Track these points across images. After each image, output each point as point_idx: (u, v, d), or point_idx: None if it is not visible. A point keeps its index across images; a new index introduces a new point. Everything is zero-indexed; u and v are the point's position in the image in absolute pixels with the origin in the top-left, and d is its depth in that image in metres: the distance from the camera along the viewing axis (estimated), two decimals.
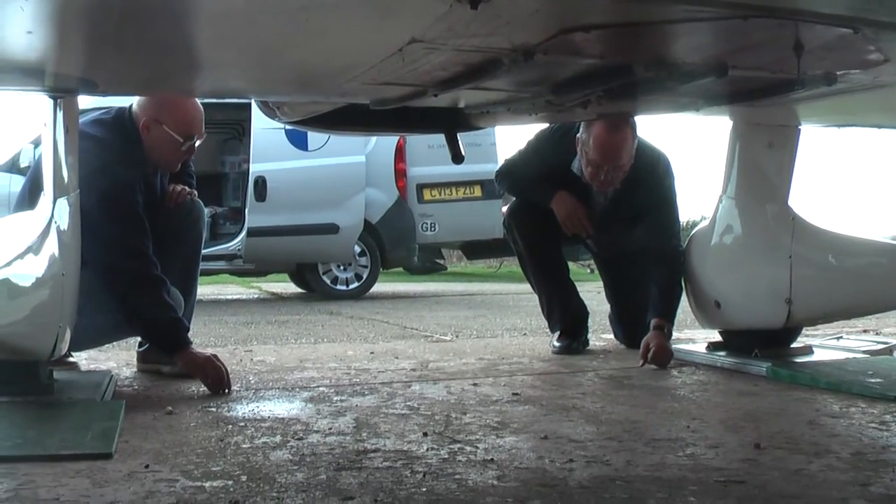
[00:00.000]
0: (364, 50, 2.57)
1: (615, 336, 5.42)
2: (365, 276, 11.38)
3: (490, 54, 2.50)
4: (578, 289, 5.27)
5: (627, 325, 5.23)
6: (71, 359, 4.22)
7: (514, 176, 5.27)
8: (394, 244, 11.35)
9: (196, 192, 4.30)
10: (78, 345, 3.98)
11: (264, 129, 10.15)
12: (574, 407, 3.42)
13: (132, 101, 4.07)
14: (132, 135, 3.95)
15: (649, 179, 4.86)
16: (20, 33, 2.45)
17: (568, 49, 2.46)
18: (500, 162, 5.99)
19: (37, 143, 3.70)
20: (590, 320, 5.25)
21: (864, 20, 2.34)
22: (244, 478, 2.39)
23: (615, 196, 4.93)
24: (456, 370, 4.37)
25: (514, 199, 5.45)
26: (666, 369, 4.34)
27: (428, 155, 10.99)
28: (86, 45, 2.81)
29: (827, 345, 4.84)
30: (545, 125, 4.94)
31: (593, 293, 6.09)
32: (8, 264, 3.30)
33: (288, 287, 13.00)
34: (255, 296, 12.46)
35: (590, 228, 4.99)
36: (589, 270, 15.36)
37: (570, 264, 5.60)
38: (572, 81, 2.86)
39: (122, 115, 4.01)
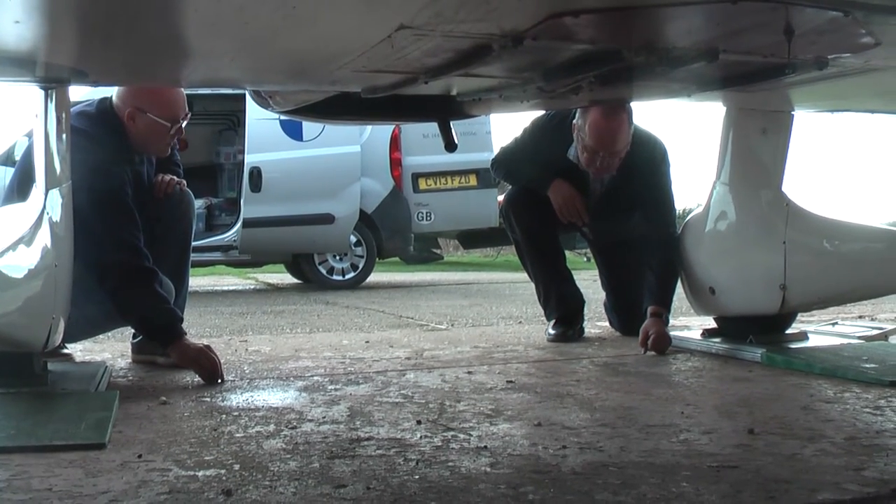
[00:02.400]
0: (353, 37, 2.57)
1: (610, 324, 5.42)
2: (361, 266, 11.40)
3: (479, 40, 2.49)
4: (575, 277, 5.26)
5: (623, 312, 5.23)
6: (65, 350, 4.21)
7: (509, 163, 5.26)
8: (389, 234, 11.36)
9: (185, 182, 4.29)
10: (72, 336, 3.99)
11: (259, 120, 10.17)
12: (568, 394, 3.42)
13: (112, 93, 4.06)
14: (117, 126, 3.94)
15: (646, 167, 4.84)
16: (8, 23, 2.43)
17: (557, 34, 2.45)
18: (496, 150, 5.97)
19: (31, 136, 3.69)
20: (585, 308, 5.25)
21: (854, 3, 2.34)
22: (237, 466, 2.39)
23: (612, 183, 4.92)
24: (451, 358, 4.37)
25: (511, 186, 5.43)
26: (663, 356, 4.34)
27: (423, 144, 10.99)
28: (76, 35, 2.80)
29: (822, 331, 4.84)
30: (539, 112, 4.93)
31: (589, 281, 6.11)
32: (0, 255, 3.30)
33: (284, 277, 13.01)
34: (251, 286, 12.47)
35: (585, 217, 4.98)
36: (585, 259, 15.38)
37: (567, 253, 5.60)
38: (563, 67, 2.85)
39: (105, 105, 4.00)
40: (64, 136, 3.40)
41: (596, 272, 5.61)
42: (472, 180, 11.71)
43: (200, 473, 2.32)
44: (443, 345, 4.93)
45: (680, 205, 5.17)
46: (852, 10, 2.35)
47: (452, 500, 2.09)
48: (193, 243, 4.39)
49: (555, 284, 5.16)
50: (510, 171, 5.30)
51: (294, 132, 10.59)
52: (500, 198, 12.31)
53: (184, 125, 4.05)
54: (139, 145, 4.00)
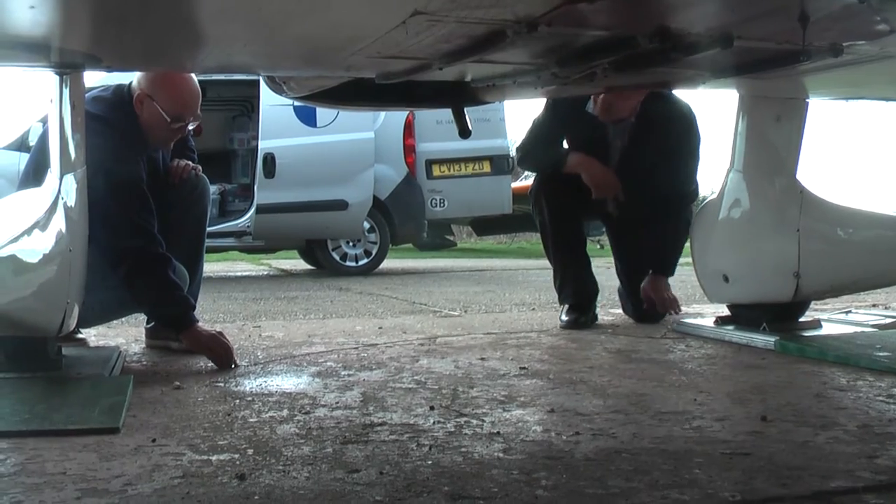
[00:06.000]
0: (367, 22, 2.56)
1: (624, 310, 5.42)
2: (374, 253, 11.39)
3: (494, 26, 2.49)
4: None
5: (639, 300, 5.24)
6: (80, 335, 4.23)
7: (526, 148, 5.26)
8: (403, 220, 11.35)
9: (200, 167, 4.29)
10: (86, 321, 3.99)
11: (273, 106, 10.17)
12: (581, 380, 3.42)
13: (132, 78, 4.06)
14: (131, 111, 3.94)
15: (668, 122, 4.88)
16: (23, 8, 2.44)
17: (572, 20, 2.45)
18: (509, 137, 5.97)
19: (45, 122, 3.70)
20: (599, 296, 5.25)
21: None
22: (250, 451, 2.39)
23: (633, 138, 4.94)
24: (464, 345, 4.37)
25: (535, 173, 5.41)
26: (677, 345, 4.33)
27: (437, 131, 10.98)
28: (90, 20, 2.80)
29: (835, 319, 4.84)
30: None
31: (603, 268, 6.10)
32: (15, 240, 3.30)
33: (297, 264, 13.02)
34: (265, 272, 12.49)
35: (621, 194, 4.97)
36: (599, 246, 15.36)
37: None
38: (577, 53, 2.85)
39: (122, 91, 4.00)
40: (78, 121, 3.40)
41: (610, 259, 5.61)
42: (486, 167, 11.70)
43: (214, 458, 2.33)
44: (456, 331, 4.93)
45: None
46: None
47: (465, 485, 2.09)
48: (207, 229, 4.39)
49: (573, 270, 5.16)
50: (526, 155, 5.31)
51: (308, 118, 10.59)
52: (517, 183, 12.31)
53: (190, 127, 4.03)
54: (144, 131, 3.98)
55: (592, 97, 4.82)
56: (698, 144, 5.03)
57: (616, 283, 5.50)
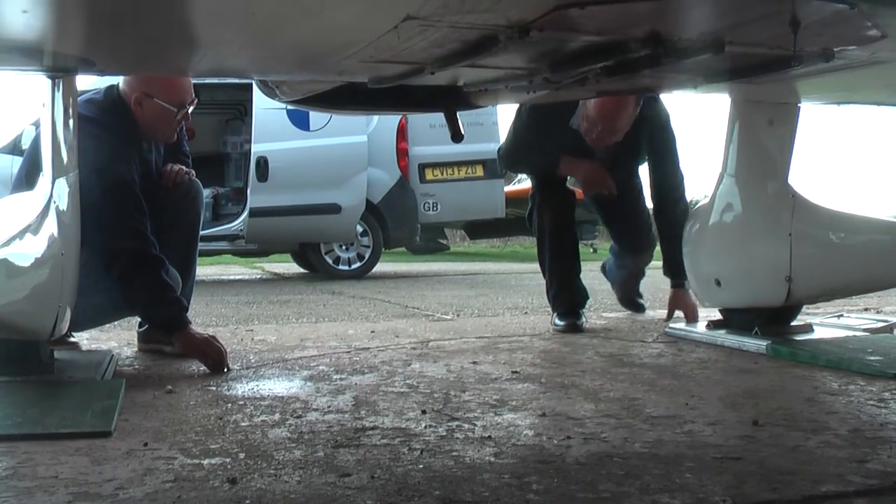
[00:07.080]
0: (360, 27, 2.57)
1: (612, 285, 5.57)
2: (367, 256, 11.39)
3: (486, 31, 2.49)
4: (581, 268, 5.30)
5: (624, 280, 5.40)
6: (72, 339, 4.23)
7: (514, 151, 5.27)
8: (396, 224, 11.35)
9: (194, 172, 4.30)
10: (78, 325, 4.00)
11: (266, 110, 10.16)
12: (573, 385, 3.42)
13: (118, 80, 4.08)
14: (125, 113, 3.96)
15: (650, 127, 4.96)
16: (16, 12, 2.44)
17: (563, 25, 2.45)
18: (502, 141, 5.96)
19: (38, 125, 3.70)
20: (592, 300, 5.29)
21: None
22: (242, 455, 2.40)
23: (617, 151, 5.00)
24: (456, 348, 4.38)
25: (537, 176, 5.41)
26: (668, 348, 4.34)
27: (430, 134, 10.99)
28: (83, 24, 2.80)
29: (827, 323, 4.84)
30: None
31: (595, 272, 6.10)
32: (7, 244, 3.31)
33: (290, 267, 13.01)
34: (258, 276, 12.48)
35: (613, 188, 5.02)
36: (592, 250, 15.40)
37: None
38: (569, 58, 2.85)
39: (112, 93, 4.02)
40: (71, 125, 3.41)
41: (600, 264, 5.66)
42: (479, 171, 11.70)
43: (206, 462, 2.33)
44: (448, 335, 4.94)
45: (687, 195, 5.25)
46: (858, 3, 2.35)
47: (456, 489, 2.10)
48: (200, 233, 4.39)
49: (569, 278, 5.17)
50: (516, 158, 5.32)
51: (301, 122, 10.59)
52: (511, 187, 12.32)
53: (190, 110, 4.07)
54: (146, 131, 4.02)
55: (580, 111, 4.82)
56: (675, 142, 5.13)
57: (606, 286, 5.53)
